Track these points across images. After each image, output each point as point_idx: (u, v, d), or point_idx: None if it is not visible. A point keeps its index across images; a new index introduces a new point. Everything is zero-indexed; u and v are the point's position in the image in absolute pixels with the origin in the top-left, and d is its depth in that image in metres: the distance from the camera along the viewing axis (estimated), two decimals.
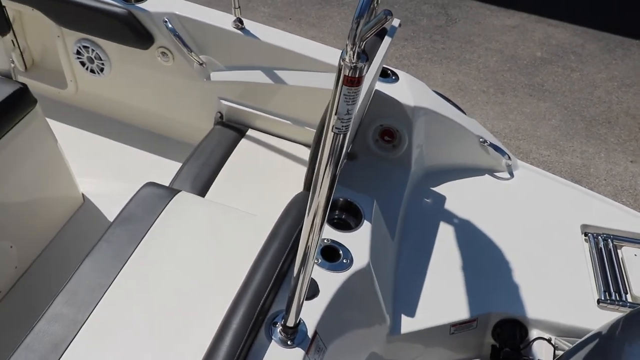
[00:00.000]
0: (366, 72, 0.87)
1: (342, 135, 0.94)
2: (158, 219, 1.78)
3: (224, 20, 2.35)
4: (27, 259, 2.29)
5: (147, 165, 2.70)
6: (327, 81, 2.20)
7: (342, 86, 0.88)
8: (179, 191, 1.88)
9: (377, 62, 1.79)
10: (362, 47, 0.84)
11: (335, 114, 0.91)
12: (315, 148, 1.73)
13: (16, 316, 2.19)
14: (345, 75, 0.86)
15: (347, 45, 0.83)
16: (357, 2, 0.83)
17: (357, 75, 0.86)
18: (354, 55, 0.84)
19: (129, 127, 2.85)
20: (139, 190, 1.87)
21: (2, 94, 1.97)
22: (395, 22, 2.00)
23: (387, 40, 1.85)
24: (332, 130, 0.94)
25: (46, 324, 1.55)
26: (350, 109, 0.90)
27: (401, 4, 5.65)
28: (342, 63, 0.86)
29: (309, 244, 1.15)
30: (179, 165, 2.38)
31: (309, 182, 1.78)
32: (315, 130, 2.38)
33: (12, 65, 2.04)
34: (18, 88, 2.00)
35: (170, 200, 1.83)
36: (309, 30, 5.16)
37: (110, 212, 2.50)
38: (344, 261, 1.65)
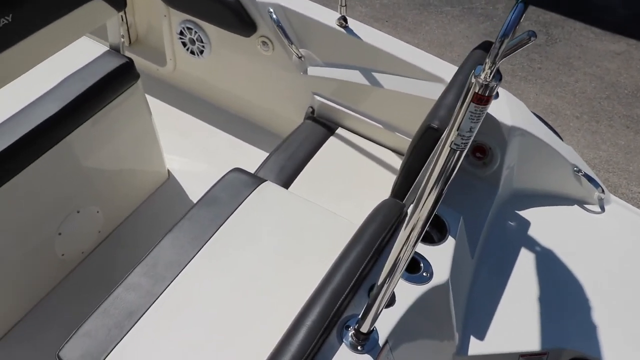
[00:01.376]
0: (496, 91, 0.83)
1: (459, 152, 0.91)
2: (241, 205, 1.80)
3: (328, 16, 2.35)
4: (110, 225, 2.37)
5: (234, 150, 2.74)
6: (426, 90, 2.16)
7: (469, 103, 0.85)
8: (265, 180, 1.89)
9: None
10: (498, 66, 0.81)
11: (457, 130, 0.88)
12: (412, 158, 1.70)
13: (95, 277, 2.27)
14: (475, 93, 0.83)
15: (485, 63, 0.80)
16: (502, 19, 0.79)
17: (487, 94, 0.83)
18: (490, 73, 0.81)
19: (221, 111, 2.90)
20: (225, 175, 1.90)
21: (111, 66, 2.04)
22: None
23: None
24: (449, 146, 0.91)
25: (124, 291, 1.59)
26: (473, 127, 0.87)
27: (501, 17, 5.52)
28: (474, 80, 0.83)
29: (401, 256, 1.12)
30: (265, 154, 2.40)
31: (399, 191, 1.75)
32: (406, 138, 2.35)
33: (122, 40, 2.11)
34: (125, 62, 2.07)
35: (255, 189, 1.85)
36: (404, 35, 5.10)
37: (193, 191, 2.55)
38: (424, 274, 1.61)
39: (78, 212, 2.16)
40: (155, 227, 2.43)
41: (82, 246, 2.28)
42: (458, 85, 1.81)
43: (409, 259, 1.13)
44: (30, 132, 1.84)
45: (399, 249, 1.12)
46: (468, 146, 0.91)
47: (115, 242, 2.38)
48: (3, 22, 1.49)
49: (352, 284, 1.47)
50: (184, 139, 2.79)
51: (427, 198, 0.99)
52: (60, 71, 2.01)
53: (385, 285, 1.19)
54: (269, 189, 1.87)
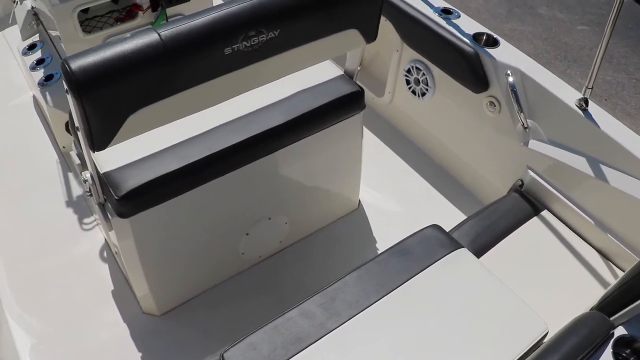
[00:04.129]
0: None
1: None
2: (433, 265, 1.74)
3: (567, 93, 2.21)
4: (291, 238, 2.42)
5: (429, 200, 2.68)
6: None
7: None
8: (462, 247, 1.81)
9: None
10: None
11: None
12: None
13: (263, 282, 2.34)
14: None
15: None
16: None
17: None
18: None
19: (425, 156, 2.86)
20: (423, 229, 1.85)
21: (342, 91, 2.08)
22: None
23: None
24: None
25: (298, 315, 1.60)
26: None
27: None
28: None
29: None
30: (459, 212, 2.32)
31: (609, 306, 1.58)
32: (619, 244, 2.12)
33: (359, 68, 2.14)
34: (356, 90, 2.10)
35: (450, 252, 1.78)
36: (624, 119, 4.72)
37: (379, 229, 2.53)
38: None
39: (269, 218, 2.23)
40: (333, 252, 2.44)
41: (261, 250, 2.35)
42: None
43: None
44: (254, 136, 1.93)
45: None
46: None
47: (291, 255, 2.42)
48: (271, 35, 1.57)
49: None
50: (381, 173, 2.79)
51: None
52: (294, 84, 2.09)
53: None
54: (464, 257, 1.78)
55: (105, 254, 2.48)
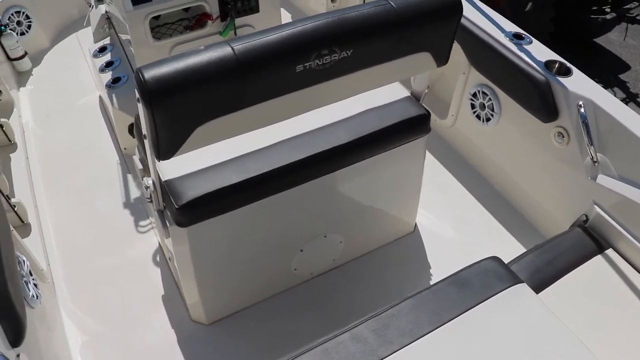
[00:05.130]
0: None
1: None
2: (490, 299, 1.68)
3: None
4: (344, 257, 2.39)
5: (487, 229, 2.61)
6: None
7: None
8: (522, 282, 1.75)
9: None
10: None
11: None
12: None
13: (312, 299, 2.31)
14: None
15: None
16: None
17: None
18: None
19: (485, 183, 2.79)
20: (482, 260, 1.80)
21: (408, 113, 2.05)
22: None
23: None
24: None
25: (349, 339, 1.57)
26: None
27: None
28: None
29: None
30: (518, 244, 2.25)
31: None
32: None
33: (426, 90, 2.10)
34: (423, 114, 2.06)
35: (509, 287, 1.72)
36: None
37: (434, 255, 2.48)
38: None
39: (325, 236, 2.21)
40: (386, 274, 2.40)
41: (314, 267, 2.33)
42: None
43: None
44: (318, 153, 1.91)
45: None
46: None
47: (343, 274, 2.39)
48: (344, 54, 1.55)
49: None
50: (439, 197, 2.73)
51: None
52: (360, 102, 2.06)
53: None
54: (524, 293, 1.72)
55: (158, 258, 2.50)
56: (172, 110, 1.45)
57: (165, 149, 1.55)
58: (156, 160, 1.64)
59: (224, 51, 1.45)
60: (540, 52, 2.42)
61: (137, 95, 1.45)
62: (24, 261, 2.04)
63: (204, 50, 1.46)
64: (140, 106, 1.48)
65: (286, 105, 1.62)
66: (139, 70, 1.40)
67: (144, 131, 1.57)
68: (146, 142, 1.62)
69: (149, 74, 1.40)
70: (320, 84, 1.61)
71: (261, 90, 1.53)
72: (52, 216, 2.72)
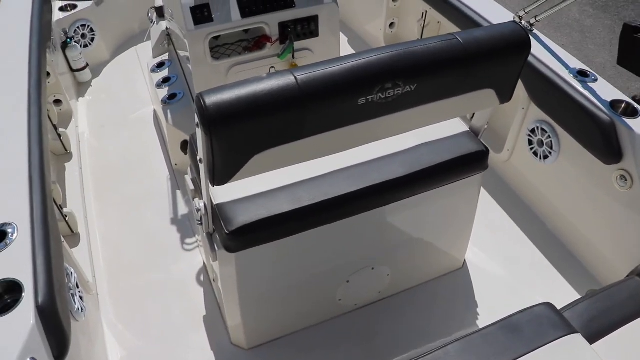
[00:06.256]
0: None
1: None
2: (541, 348, 1.61)
3: None
4: (391, 290, 2.34)
5: (538, 271, 2.52)
6: None
7: None
8: (576, 332, 1.67)
9: None
10: None
11: None
12: None
13: (355, 333, 2.27)
14: None
15: None
16: None
17: None
18: None
19: (538, 222, 2.70)
20: (535, 306, 1.72)
21: (467, 149, 2.00)
22: None
23: None
24: None
25: None
26: None
27: None
28: None
29: None
30: (571, 289, 2.16)
31: None
32: None
33: (486, 126, 2.05)
34: (481, 150, 2.01)
35: (562, 337, 1.64)
36: None
37: (482, 293, 2.41)
38: None
39: (372, 269, 2.16)
40: (431, 310, 2.34)
41: (358, 299, 2.28)
42: None
43: None
44: (371, 186, 1.87)
45: None
46: None
47: (387, 307, 2.34)
48: (407, 89, 1.52)
49: None
50: (490, 234, 2.66)
51: None
52: (417, 136, 2.02)
53: None
54: (578, 344, 1.64)
55: (202, 278, 2.50)
56: (231, 138, 1.44)
57: (221, 175, 1.54)
58: (210, 186, 1.64)
59: (287, 80, 1.44)
60: (606, 91, 2.34)
61: (197, 120, 1.44)
62: (71, 273, 2.05)
63: (267, 78, 1.44)
64: (198, 131, 1.47)
65: (345, 137, 1.60)
66: (201, 96, 1.40)
67: (200, 155, 1.57)
68: (201, 166, 1.61)
69: (210, 100, 1.39)
70: (381, 118, 1.58)
71: (321, 121, 1.51)
72: (101, 227, 2.75)
